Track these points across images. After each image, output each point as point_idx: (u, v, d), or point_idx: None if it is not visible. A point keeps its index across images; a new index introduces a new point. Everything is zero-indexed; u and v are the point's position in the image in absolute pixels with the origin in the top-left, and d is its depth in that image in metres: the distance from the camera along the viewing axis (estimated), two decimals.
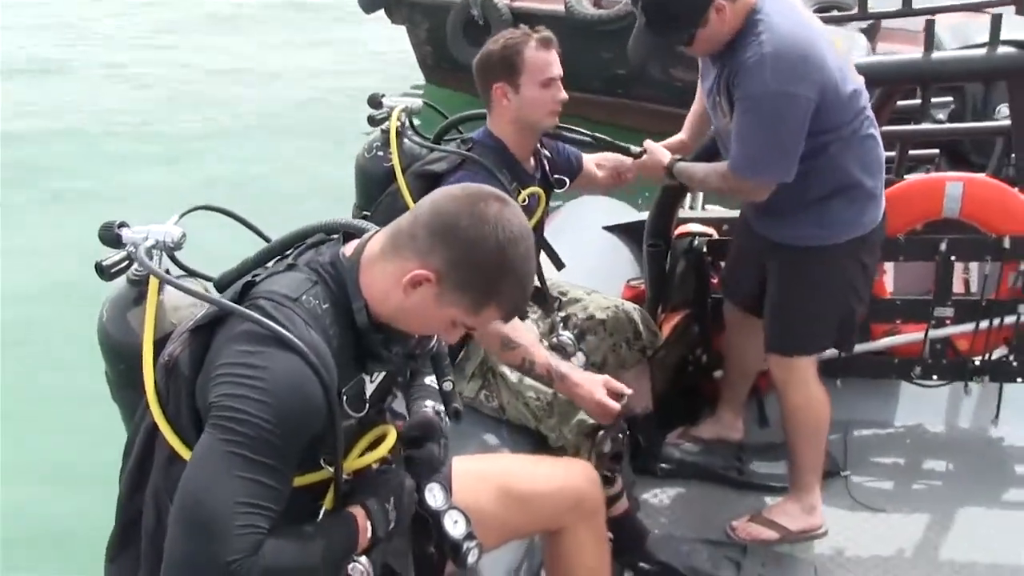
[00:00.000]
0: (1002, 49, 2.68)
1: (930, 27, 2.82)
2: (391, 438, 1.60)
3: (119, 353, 1.68)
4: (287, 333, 1.37)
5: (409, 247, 1.46)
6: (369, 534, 1.50)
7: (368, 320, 1.49)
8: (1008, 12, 4.81)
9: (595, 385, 2.22)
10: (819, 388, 2.62)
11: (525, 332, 2.31)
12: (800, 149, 2.31)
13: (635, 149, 2.69)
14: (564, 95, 2.39)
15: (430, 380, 1.79)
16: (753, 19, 2.28)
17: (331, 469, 1.49)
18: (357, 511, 1.50)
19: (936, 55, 2.81)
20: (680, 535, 2.67)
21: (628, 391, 2.27)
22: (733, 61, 2.32)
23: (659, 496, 2.90)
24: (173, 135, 8.77)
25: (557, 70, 2.36)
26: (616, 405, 2.21)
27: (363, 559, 1.52)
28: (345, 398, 1.47)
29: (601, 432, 2.30)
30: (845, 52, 2.43)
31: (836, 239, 2.47)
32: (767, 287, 2.64)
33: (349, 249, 1.55)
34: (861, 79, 2.44)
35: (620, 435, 2.34)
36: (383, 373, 1.62)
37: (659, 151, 2.65)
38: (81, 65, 10.99)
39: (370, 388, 1.58)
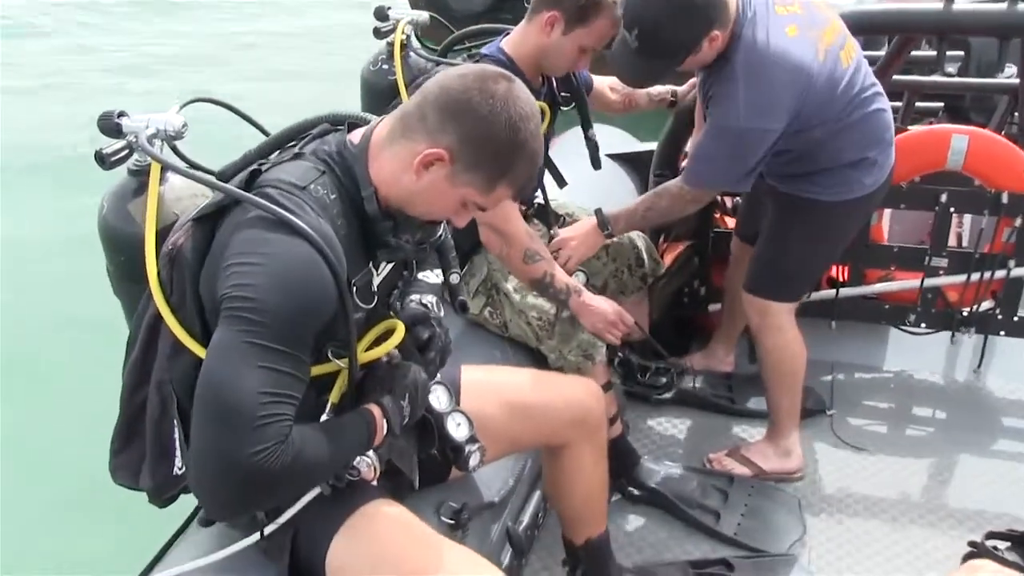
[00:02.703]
0: (1021, 6, 2.67)
1: None
2: (400, 332, 1.58)
3: (120, 244, 1.66)
4: (296, 220, 1.35)
5: (419, 128, 1.44)
6: (385, 432, 1.50)
7: (378, 207, 1.48)
8: None
9: (608, 306, 2.33)
10: (795, 334, 2.59)
11: (544, 247, 2.33)
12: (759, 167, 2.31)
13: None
14: (587, 67, 2.40)
15: (424, 275, 1.74)
16: (733, 44, 2.21)
17: (339, 362, 1.48)
18: (374, 408, 1.50)
19: (955, 7, 2.79)
20: (667, 462, 2.72)
21: (634, 326, 2.39)
22: (712, 82, 2.28)
23: (648, 422, 2.96)
24: None
25: (601, 46, 2.31)
26: (619, 334, 2.35)
27: (371, 454, 1.53)
28: (355, 288, 1.45)
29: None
30: (833, 46, 2.28)
31: (840, 197, 2.43)
32: (762, 227, 2.64)
33: (356, 137, 1.53)
34: (854, 63, 2.32)
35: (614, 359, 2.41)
36: (389, 267, 1.61)
37: (579, 233, 2.53)
38: None
39: (376, 281, 1.57)
